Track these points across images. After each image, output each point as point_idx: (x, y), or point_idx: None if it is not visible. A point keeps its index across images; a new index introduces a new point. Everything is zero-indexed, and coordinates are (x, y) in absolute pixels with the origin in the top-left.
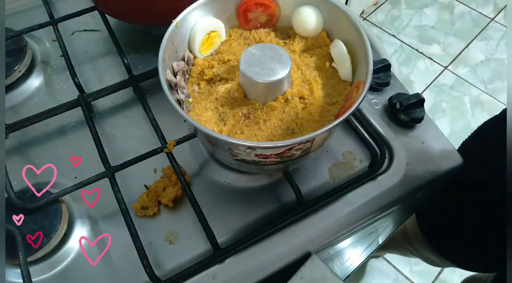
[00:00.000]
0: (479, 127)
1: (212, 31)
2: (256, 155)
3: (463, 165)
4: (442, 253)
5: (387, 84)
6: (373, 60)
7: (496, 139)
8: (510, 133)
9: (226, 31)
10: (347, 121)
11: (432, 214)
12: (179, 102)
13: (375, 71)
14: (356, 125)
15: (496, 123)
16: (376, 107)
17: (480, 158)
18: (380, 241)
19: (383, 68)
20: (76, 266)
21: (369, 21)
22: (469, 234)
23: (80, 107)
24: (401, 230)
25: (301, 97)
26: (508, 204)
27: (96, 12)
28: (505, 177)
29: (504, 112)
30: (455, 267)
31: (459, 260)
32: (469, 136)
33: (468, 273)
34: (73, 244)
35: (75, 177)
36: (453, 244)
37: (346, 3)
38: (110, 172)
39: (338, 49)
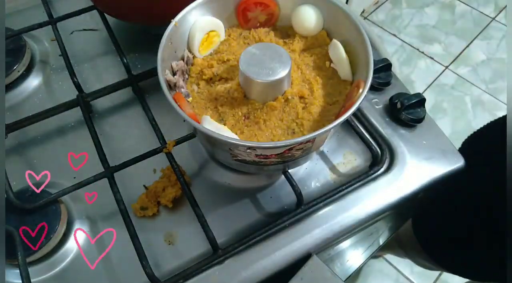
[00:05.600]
0: (480, 129)
1: (211, 31)
2: (256, 155)
3: (465, 166)
4: (436, 259)
5: (387, 84)
6: (374, 60)
7: (497, 142)
8: (511, 134)
9: (225, 30)
10: (347, 121)
11: (427, 219)
12: None
13: (376, 71)
14: (357, 125)
15: (498, 125)
16: (377, 107)
17: (480, 159)
18: (381, 241)
19: (383, 67)
20: (75, 266)
21: (369, 20)
22: (464, 240)
23: (79, 107)
24: (395, 237)
25: (301, 97)
26: (509, 207)
27: (95, 11)
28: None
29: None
30: (450, 273)
31: (453, 266)
32: (469, 137)
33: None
34: (72, 244)
35: (74, 177)
36: (447, 250)
37: (346, 2)
38: (109, 172)
39: (336, 51)
